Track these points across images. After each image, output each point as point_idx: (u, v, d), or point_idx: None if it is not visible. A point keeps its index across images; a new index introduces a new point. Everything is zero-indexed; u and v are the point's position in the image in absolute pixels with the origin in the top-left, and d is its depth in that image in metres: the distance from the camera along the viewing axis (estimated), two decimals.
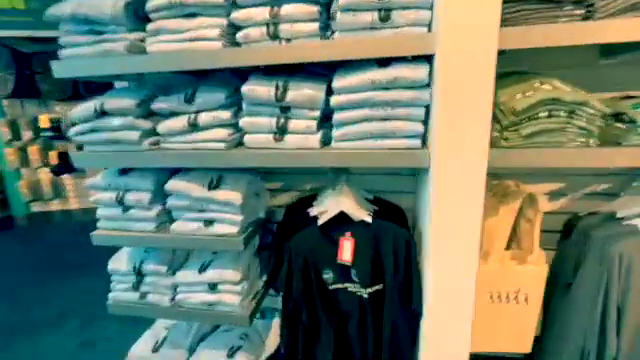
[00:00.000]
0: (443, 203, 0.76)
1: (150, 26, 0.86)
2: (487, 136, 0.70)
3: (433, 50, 0.71)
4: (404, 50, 0.73)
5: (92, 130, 0.93)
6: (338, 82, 0.79)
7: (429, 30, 0.75)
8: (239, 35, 0.82)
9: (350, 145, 0.83)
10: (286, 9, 0.78)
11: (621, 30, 0.64)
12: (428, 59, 0.76)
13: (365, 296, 0.96)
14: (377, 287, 0.96)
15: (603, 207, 0.94)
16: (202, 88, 0.90)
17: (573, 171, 1.04)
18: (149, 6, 0.84)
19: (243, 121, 0.88)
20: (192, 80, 1.00)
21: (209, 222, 0.96)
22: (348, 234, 0.95)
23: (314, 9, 0.78)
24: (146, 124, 0.92)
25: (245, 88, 0.84)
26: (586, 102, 0.68)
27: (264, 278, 1.15)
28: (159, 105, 0.91)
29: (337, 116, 0.81)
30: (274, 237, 1.15)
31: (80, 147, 0.97)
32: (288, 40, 0.81)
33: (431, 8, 0.73)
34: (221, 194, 0.93)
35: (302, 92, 0.82)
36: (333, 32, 0.80)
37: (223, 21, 0.82)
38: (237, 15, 0.81)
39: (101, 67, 0.87)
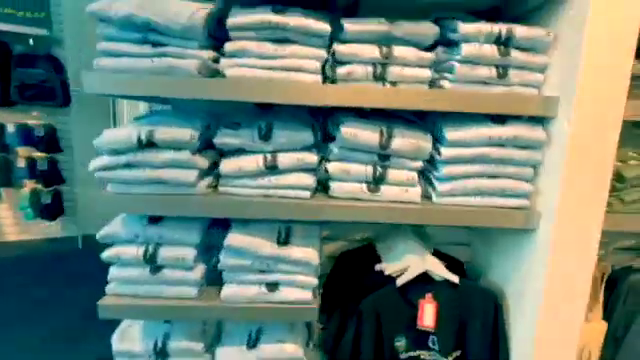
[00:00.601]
0: (557, 266, 0.73)
1: (230, 46, 0.70)
2: (605, 201, 0.71)
3: (555, 114, 0.71)
4: (524, 110, 0.72)
5: (128, 165, 0.70)
6: (451, 135, 0.73)
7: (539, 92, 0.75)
8: (341, 71, 0.72)
9: (453, 201, 0.77)
10: (400, 51, 0.72)
11: None
12: (539, 120, 0.76)
13: None
14: (456, 354, 0.87)
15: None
16: (278, 124, 0.76)
17: None
18: (234, 22, 0.69)
19: (333, 166, 0.76)
20: (254, 111, 0.84)
21: (273, 285, 0.78)
22: (429, 296, 0.86)
23: (429, 56, 0.73)
24: (203, 162, 0.73)
25: (346, 131, 0.73)
26: None
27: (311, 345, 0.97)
28: (225, 140, 0.74)
29: (446, 170, 0.75)
30: (324, 295, 0.99)
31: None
32: (393, 83, 0.74)
33: (543, 71, 0.74)
34: (295, 252, 0.76)
35: (409, 141, 0.74)
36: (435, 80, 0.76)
37: (322, 53, 0.72)
38: (343, 49, 0.71)
39: (163, 87, 0.67)
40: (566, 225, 0.72)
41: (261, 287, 0.77)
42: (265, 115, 0.80)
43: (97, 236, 0.76)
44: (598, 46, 0.65)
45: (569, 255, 0.73)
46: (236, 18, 0.69)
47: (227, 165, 0.74)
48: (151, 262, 0.75)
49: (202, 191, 0.73)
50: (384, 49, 0.72)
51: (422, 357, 0.88)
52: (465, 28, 0.70)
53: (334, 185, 0.76)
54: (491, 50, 0.71)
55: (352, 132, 0.73)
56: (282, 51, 0.70)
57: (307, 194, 0.74)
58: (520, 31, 0.70)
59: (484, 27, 0.70)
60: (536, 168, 0.76)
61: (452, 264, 1.01)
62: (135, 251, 0.75)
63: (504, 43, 0.71)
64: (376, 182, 0.76)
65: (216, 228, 0.85)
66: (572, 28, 0.68)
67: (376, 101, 0.71)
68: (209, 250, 0.84)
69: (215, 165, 0.78)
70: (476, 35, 0.70)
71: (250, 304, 0.77)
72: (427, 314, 0.85)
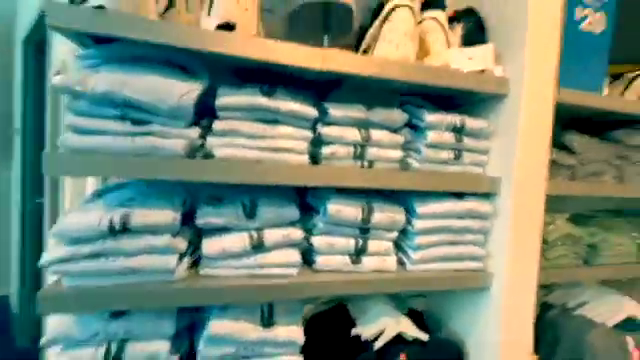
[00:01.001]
0: (509, 318, 0.85)
1: (220, 125, 0.69)
2: (538, 260, 0.87)
3: (499, 191, 0.86)
4: (476, 187, 0.85)
5: (96, 255, 0.61)
6: (421, 209, 0.82)
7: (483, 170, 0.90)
8: (326, 151, 0.76)
9: (424, 267, 0.85)
10: (376, 134, 0.80)
11: None
12: (487, 196, 0.90)
13: None
14: None
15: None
16: (263, 200, 0.75)
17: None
18: (223, 102, 0.68)
19: (319, 240, 0.77)
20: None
21: None
22: (403, 356, 0.90)
23: (400, 139, 0.82)
24: (183, 244, 0.68)
25: (332, 208, 0.76)
26: (581, 237, 0.95)
27: None
28: (209, 220, 0.70)
29: (418, 240, 0.83)
30: None
31: None
32: (370, 162, 0.81)
33: (487, 154, 0.90)
34: (281, 332, 0.74)
35: (387, 215, 0.80)
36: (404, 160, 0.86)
37: (308, 134, 0.75)
38: (328, 131, 0.76)
39: (148, 169, 0.62)
40: (513, 281, 0.85)
41: None
42: (246, 189, 0.79)
43: (41, 342, 0.63)
44: (527, 138, 0.83)
45: (517, 307, 0.86)
46: (226, 99, 0.69)
47: (210, 247, 0.70)
48: None
49: (181, 276, 0.67)
50: (363, 132, 0.79)
51: None
52: (430, 118, 0.82)
53: (319, 259, 0.78)
54: (449, 137, 0.84)
55: (337, 208, 0.76)
56: (271, 132, 0.72)
57: (294, 271, 0.74)
58: (469, 122, 0.85)
59: (444, 118, 0.83)
60: (486, 235, 0.89)
61: (412, 314, 1.09)
62: (93, 353, 0.64)
63: (458, 131, 0.85)
64: (358, 254, 0.80)
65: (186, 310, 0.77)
66: (508, 122, 0.85)
67: (357, 182, 0.76)
68: (179, 336, 0.76)
69: (190, 243, 0.73)
70: (439, 124, 0.82)
71: None
72: None
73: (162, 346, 0.67)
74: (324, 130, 0.76)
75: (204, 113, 0.72)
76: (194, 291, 0.66)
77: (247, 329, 0.71)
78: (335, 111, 0.76)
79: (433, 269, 0.85)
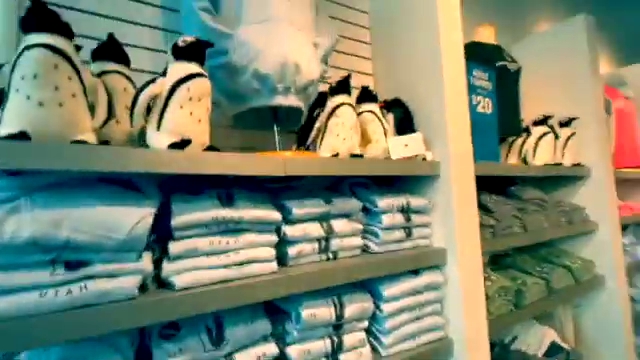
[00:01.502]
0: None
1: (176, 247, 0.61)
2: (485, 317, 0.96)
3: (446, 262, 0.95)
4: (429, 262, 0.93)
5: None
6: (387, 291, 0.85)
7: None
8: (293, 251, 0.74)
9: (396, 349, 0.86)
10: (338, 225, 0.81)
11: None
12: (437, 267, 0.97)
13: None
14: None
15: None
16: (228, 317, 0.68)
17: None
18: (180, 222, 0.62)
19: (296, 350, 0.72)
20: None
21: None
22: None
23: (360, 226, 0.86)
24: None
25: (307, 313, 0.72)
26: (510, 286, 1.10)
27: None
28: None
29: (388, 324, 0.84)
30: None
31: None
32: (334, 253, 0.82)
33: (430, 227, 0.99)
34: None
35: (357, 305, 0.80)
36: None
37: (274, 238, 0.73)
38: (293, 231, 0.75)
39: (93, 327, 0.50)
40: (471, 344, 0.92)
41: None
42: None
43: None
44: (461, 209, 0.95)
45: None
46: (183, 217, 0.62)
47: None
48: None
49: None
50: (325, 225, 0.80)
51: None
52: (382, 203, 0.88)
53: None
54: (400, 217, 0.90)
55: (311, 313, 0.73)
56: (235, 244, 0.67)
57: None
58: (414, 201, 0.94)
59: (394, 201, 0.90)
60: (441, 303, 0.96)
61: None
62: None
63: (406, 211, 0.93)
64: (335, 353, 0.77)
65: None
66: (443, 197, 0.96)
67: (327, 282, 0.75)
68: None
69: None
70: (390, 207, 0.89)
71: None
72: None
73: None
74: (289, 231, 0.74)
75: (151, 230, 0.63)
76: None
77: None
78: (298, 210, 0.76)
79: (405, 349, 0.87)
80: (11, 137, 0.50)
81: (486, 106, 1.23)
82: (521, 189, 1.33)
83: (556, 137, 1.52)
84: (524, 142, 1.48)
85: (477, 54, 1.30)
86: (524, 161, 1.45)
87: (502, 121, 1.30)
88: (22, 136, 0.50)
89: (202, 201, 0.66)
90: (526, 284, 1.17)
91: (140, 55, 0.87)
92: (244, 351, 0.66)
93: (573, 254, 1.53)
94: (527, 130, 1.51)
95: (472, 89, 1.18)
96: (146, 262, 0.57)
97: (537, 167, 1.35)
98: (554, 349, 1.27)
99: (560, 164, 1.48)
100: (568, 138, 1.54)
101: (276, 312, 0.80)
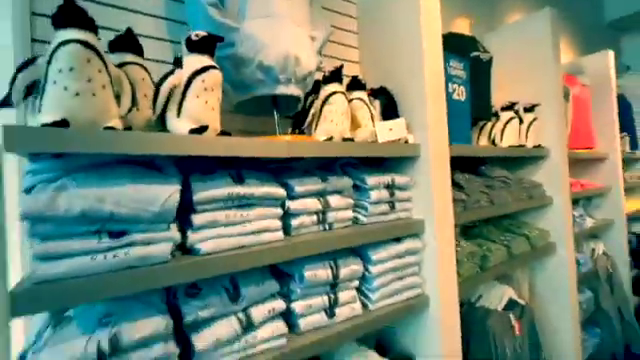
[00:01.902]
0: (446, 330, 1.08)
1: (199, 219, 0.71)
2: (455, 276, 1.13)
3: (424, 231, 1.10)
4: (410, 231, 1.07)
5: None
6: (375, 256, 0.99)
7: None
8: (295, 223, 0.86)
9: (382, 304, 1.01)
10: (333, 200, 0.93)
11: None
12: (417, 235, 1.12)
13: None
14: None
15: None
16: (242, 279, 0.79)
17: None
18: (202, 197, 0.71)
19: (300, 305, 0.85)
20: None
21: None
22: None
23: (351, 201, 0.98)
24: (175, 348, 0.67)
25: (309, 274, 0.85)
26: (477, 251, 1.28)
27: None
28: (200, 315, 0.70)
29: (376, 282, 0.99)
30: None
31: None
32: (330, 225, 0.94)
33: (411, 201, 1.13)
34: None
35: (350, 268, 0.94)
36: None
37: (280, 211, 0.83)
38: (295, 205, 0.86)
39: (135, 284, 0.59)
40: (443, 297, 1.09)
41: None
42: None
43: None
44: (437, 185, 1.09)
45: (449, 316, 1.10)
46: (203, 194, 0.71)
47: (202, 341, 0.69)
48: None
49: None
50: (322, 200, 0.91)
51: None
52: (371, 180, 1.00)
53: (302, 322, 0.85)
54: (385, 193, 1.03)
55: (312, 274, 0.86)
56: (247, 216, 0.77)
57: (284, 341, 0.80)
58: (398, 179, 1.07)
59: (380, 179, 1.02)
60: (419, 266, 1.12)
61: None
62: None
63: (391, 187, 1.06)
64: (332, 307, 0.90)
65: None
66: (423, 175, 1.10)
67: (325, 248, 0.87)
68: None
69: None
70: (377, 184, 1.01)
71: None
72: None
73: None
74: (292, 205, 0.85)
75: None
76: None
77: None
78: (299, 187, 0.86)
79: (389, 303, 1.02)
80: (54, 124, 0.57)
81: (460, 94, 1.37)
82: (490, 168, 1.50)
83: (520, 122, 1.69)
84: (493, 126, 1.64)
85: (453, 45, 1.41)
86: (493, 143, 1.62)
87: (475, 107, 1.44)
88: (63, 123, 0.57)
89: (217, 180, 0.76)
90: (490, 250, 1.36)
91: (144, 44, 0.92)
92: (257, 306, 0.78)
93: (532, 225, 1.75)
94: (496, 115, 1.67)
95: (449, 78, 1.30)
96: (174, 231, 0.67)
97: (503, 148, 1.52)
98: (511, 304, 1.49)
99: (523, 146, 1.66)
100: (531, 123, 1.71)
101: (281, 276, 0.92)
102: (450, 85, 1.31)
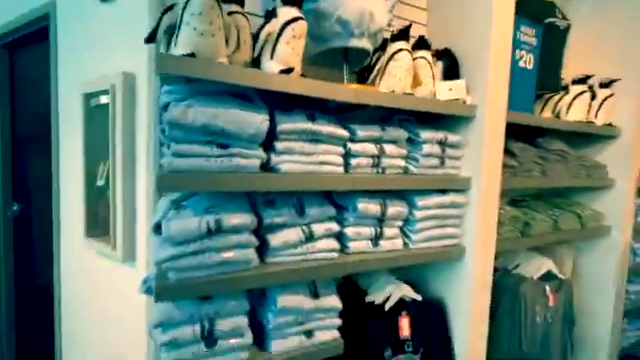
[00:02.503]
0: (478, 279, 1.19)
1: (281, 145, 0.88)
2: (495, 235, 1.22)
3: (470, 187, 1.18)
4: (455, 186, 1.16)
5: (196, 252, 0.77)
6: (421, 202, 1.11)
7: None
8: (354, 162, 1.00)
9: (421, 246, 1.14)
10: (388, 148, 1.05)
11: None
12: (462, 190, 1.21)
13: None
14: (421, 350, 1.23)
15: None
16: (307, 201, 0.97)
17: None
18: (284, 128, 0.88)
19: (351, 230, 1.01)
20: None
21: (309, 333, 0.96)
22: (404, 313, 1.19)
23: (404, 152, 1.09)
24: (254, 240, 0.87)
25: (361, 206, 1.00)
26: (520, 217, 1.33)
27: None
28: (275, 220, 0.89)
29: (418, 225, 1.11)
30: None
31: None
32: (383, 169, 1.06)
33: (461, 160, 1.21)
34: (327, 302, 0.97)
35: (397, 208, 1.07)
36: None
37: (342, 150, 0.98)
38: (357, 147, 0.99)
39: (229, 183, 0.79)
40: (480, 251, 1.19)
41: (301, 336, 0.94)
42: (290, 193, 0.99)
43: (148, 325, 0.77)
44: (489, 147, 1.15)
45: (483, 271, 1.20)
46: (285, 125, 0.88)
47: (275, 240, 0.89)
48: (208, 337, 0.82)
49: (255, 264, 0.86)
50: (379, 147, 1.04)
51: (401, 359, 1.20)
52: (425, 135, 1.10)
53: (351, 244, 1.02)
54: (437, 148, 1.13)
55: (364, 206, 1.01)
56: (315, 149, 0.93)
57: (335, 255, 0.97)
58: (450, 137, 1.15)
59: (434, 135, 1.11)
60: (461, 219, 1.21)
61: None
62: (190, 330, 0.80)
63: (443, 144, 1.14)
64: (377, 238, 1.06)
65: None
66: (476, 136, 1.17)
67: (378, 186, 1.01)
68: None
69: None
70: (431, 139, 1.11)
71: (294, 352, 0.92)
72: (405, 327, 1.18)
73: (242, 320, 0.85)
74: (353, 147, 0.99)
75: None
76: (264, 276, 0.86)
77: (303, 301, 0.93)
78: (361, 132, 1.00)
79: (427, 246, 1.15)
80: (186, 56, 0.75)
81: (528, 61, 1.36)
82: (548, 140, 1.49)
83: (593, 97, 1.61)
84: (560, 99, 1.59)
85: (530, 9, 1.38)
86: (557, 117, 1.58)
87: (542, 77, 1.42)
88: (192, 55, 0.75)
89: (295, 116, 0.91)
90: (535, 219, 1.39)
91: None
92: (318, 224, 0.96)
93: (586, 205, 1.71)
94: (566, 88, 1.61)
95: (517, 44, 1.30)
96: (262, 152, 0.85)
97: (565, 122, 1.49)
98: (549, 276, 1.52)
99: (592, 122, 1.59)
100: (605, 99, 1.63)
101: (337, 207, 1.08)
102: (517, 52, 1.31)
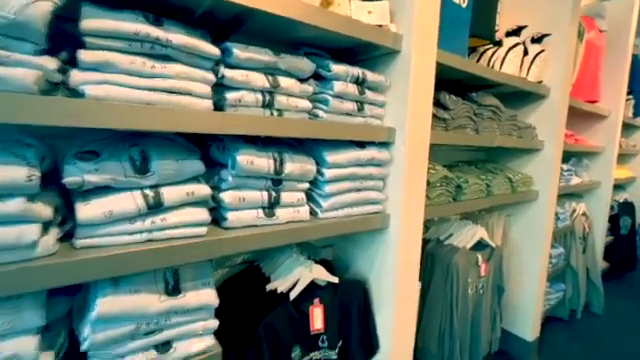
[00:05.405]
0: (403, 251, 0.98)
1: (87, 56, 0.53)
2: (424, 198, 1.01)
3: (394, 140, 0.95)
4: (376, 137, 0.92)
5: None
6: (331, 157, 0.84)
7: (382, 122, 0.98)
8: (231, 96, 0.69)
9: (333, 214, 0.88)
10: (285, 82, 0.76)
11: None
12: (385, 144, 0.97)
13: (334, 357, 0.98)
14: (339, 344, 1.01)
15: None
16: (155, 151, 0.64)
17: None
18: (91, 26, 0.53)
19: (229, 196, 0.71)
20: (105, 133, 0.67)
21: (163, 346, 0.65)
22: (317, 301, 0.95)
23: (310, 88, 0.81)
24: (47, 210, 0.53)
25: (242, 159, 0.70)
26: (452, 179, 1.15)
27: None
28: (87, 178, 0.56)
29: (328, 188, 0.85)
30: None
31: None
32: (279, 111, 0.78)
33: (384, 107, 0.97)
34: (193, 298, 0.67)
35: (298, 165, 0.79)
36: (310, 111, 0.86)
37: (211, 76, 0.66)
38: (233, 74, 0.68)
39: None
40: (406, 220, 0.97)
41: (148, 352, 0.63)
42: (128, 139, 0.65)
43: None
44: (416, 92, 0.92)
45: (409, 241, 1.00)
46: (95, 22, 0.53)
47: (88, 211, 0.56)
48: None
49: (47, 251, 0.52)
50: (271, 79, 0.74)
51: (314, 358, 0.96)
52: (336, 68, 0.82)
53: (230, 215, 0.72)
54: (353, 88, 0.87)
55: (248, 159, 0.71)
56: (162, 70, 0.60)
57: (203, 230, 0.67)
58: (370, 75, 0.89)
59: (349, 69, 0.85)
60: (384, 180, 0.98)
61: (322, 263, 1.15)
62: None
63: (361, 83, 0.89)
64: (271, 206, 0.78)
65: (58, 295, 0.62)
66: (400, 77, 0.93)
67: (268, 130, 0.72)
68: (53, 328, 0.61)
69: (57, 211, 0.57)
70: (344, 75, 0.84)
71: None
72: (317, 319, 0.94)
73: (28, 342, 0.52)
74: (228, 73, 0.68)
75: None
76: (69, 267, 0.53)
77: (148, 301, 0.62)
78: (240, 52, 0.69)
79: (341, 215, 0.90)
80: None
81: None
82: (481, 95, 1.33)
83: (525, 53, 1.49)
84: (494, 53, 1.45)
85: None
86: None
87: (476, 21, 1.24)
88: None
89: (124, 13, 0.57)
90: (467, 182, 1.23)
91: None
92: (172, 187, 0.64)
93: (516, 170, 1.63)
94: (499, 43, 1.46)
95: None
96: (47, 60, 0.50)
97: (499, 72, 1.33)
98: (481, 245, 1.40)
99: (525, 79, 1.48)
100: (536, 55, 1.52)
101: (212, 165, 0.77)
102: None
